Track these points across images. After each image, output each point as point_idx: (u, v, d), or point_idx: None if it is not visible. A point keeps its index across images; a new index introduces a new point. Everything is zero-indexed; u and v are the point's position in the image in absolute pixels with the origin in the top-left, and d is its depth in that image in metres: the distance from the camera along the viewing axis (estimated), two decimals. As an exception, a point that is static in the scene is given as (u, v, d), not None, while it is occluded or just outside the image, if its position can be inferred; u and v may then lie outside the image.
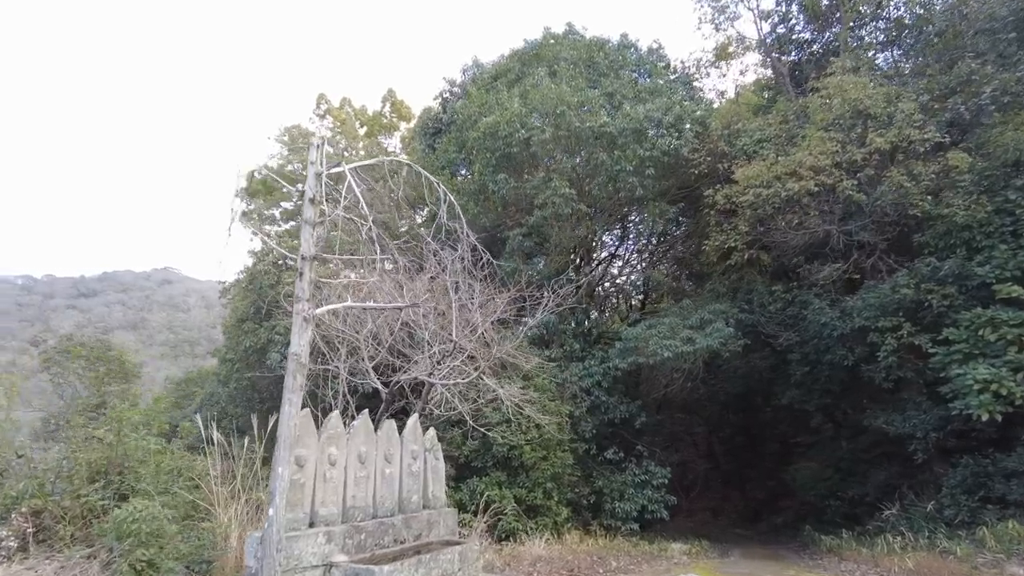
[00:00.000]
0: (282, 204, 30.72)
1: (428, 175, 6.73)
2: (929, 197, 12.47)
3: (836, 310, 13.84)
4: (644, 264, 22.64)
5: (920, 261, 12.73)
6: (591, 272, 19.68)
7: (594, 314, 19.06)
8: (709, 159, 15.73)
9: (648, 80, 18.50)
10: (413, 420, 8.73)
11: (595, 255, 20.46)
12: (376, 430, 8.00)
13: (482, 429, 12.60)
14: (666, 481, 16.06)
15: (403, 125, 33.33)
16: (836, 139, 12.74)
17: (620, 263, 21.80)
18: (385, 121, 34.48)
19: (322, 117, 33.37)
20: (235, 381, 20.26)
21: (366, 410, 7.93)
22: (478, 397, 13.09)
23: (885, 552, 13.54)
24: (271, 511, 4.90)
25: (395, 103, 32.97)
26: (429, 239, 11.34)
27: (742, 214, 13.82)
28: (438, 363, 11.15)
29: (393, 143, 33.83)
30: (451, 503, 13.21)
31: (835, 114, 13.15)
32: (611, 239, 23.33)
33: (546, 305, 16.59)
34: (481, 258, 14.94)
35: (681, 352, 14.40)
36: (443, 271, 12.06)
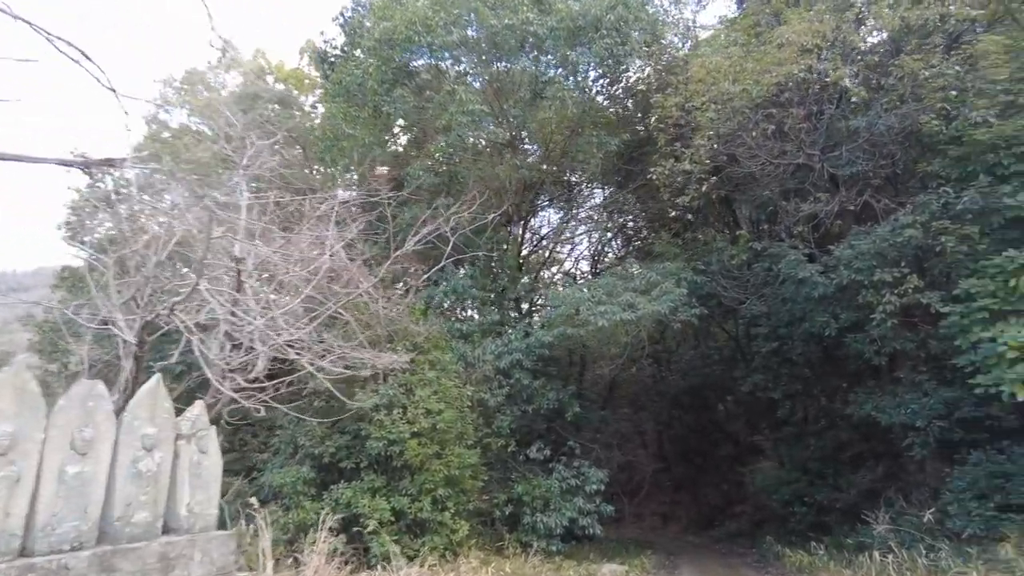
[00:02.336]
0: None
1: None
2: (947, 108, 9.48)
3: (817, 264, 10.77)
4: (590, 227, 19.39)
5: (930, 193, 9.76)
6: (522, 227, 16.28)
7: (524, 279, 15.66)
8: (660, 76, 12.49)
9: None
10: (149, 386, 5.12)
11: (528, 208, 17.07)
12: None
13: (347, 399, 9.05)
14: (602, 487, 12.77)
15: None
16: (827, 19, 9.65)
17: (560, 219, 18.40)
18: (305, 76, 30.46)
19: (227, 70, 29.16)
20: None
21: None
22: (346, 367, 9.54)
23: (875, 574, 10.50)
24: None
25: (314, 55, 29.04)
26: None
27: (701, 131, 10.65)
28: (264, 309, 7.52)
29: (312, 101, 29.93)
30: (293, 518, 9.62)
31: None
32: (546, 198, 20.03)
33: (456, 262, 13.17)
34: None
35: (620, 320, 11.11)
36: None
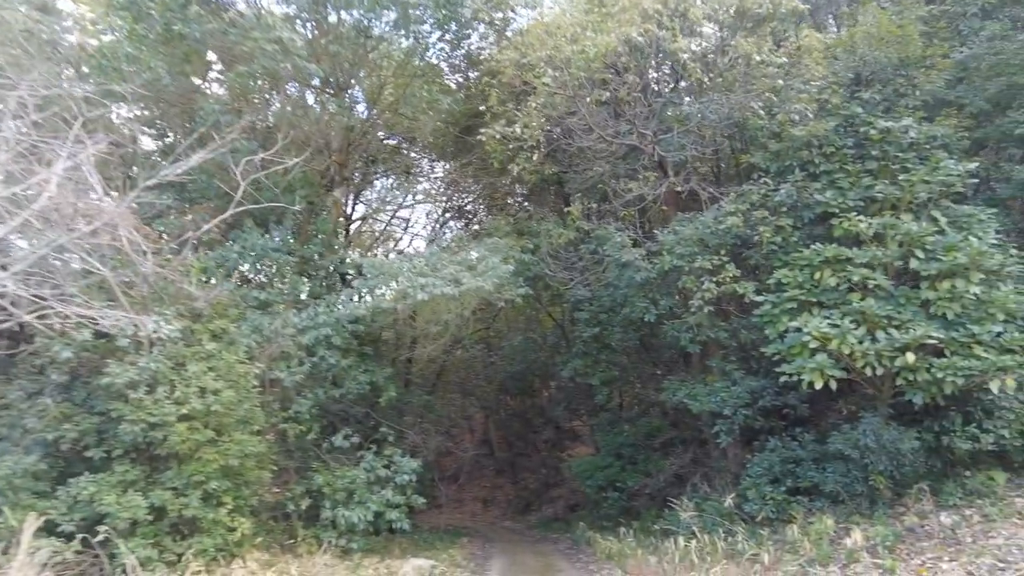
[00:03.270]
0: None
1: None
2: (774, 97, 9.61)
3: (641, 249, 10.56)
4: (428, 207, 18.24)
5: (751, 184, 9.87)
6: (351, 195, 14.69)
7: (348, 251, 14.12)
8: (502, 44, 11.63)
9: None
10: None
11: (359, 174, 15.52)
12: None
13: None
14: (413, 477, 11.74)
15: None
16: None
17: (392, 187, 16.98)
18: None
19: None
20: None
21: None
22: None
23: (679, 560, 10.53)
24: None
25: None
26: None
27: (537, 95, 9.95)
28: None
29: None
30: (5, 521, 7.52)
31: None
32: (381, 170, 18.56)
33: (263, 222, 11.42)
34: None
35: (443, 295, 10.12)
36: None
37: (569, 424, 27.73)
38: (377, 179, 19.16)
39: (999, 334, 8.35)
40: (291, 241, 12.62)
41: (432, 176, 18.35)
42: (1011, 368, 8.12)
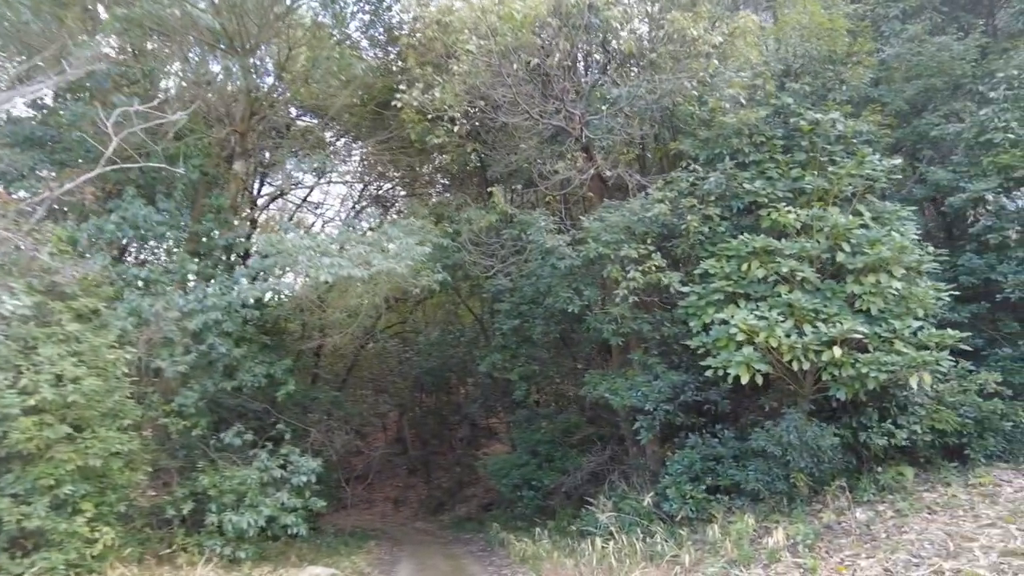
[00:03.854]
0: None
1: None
2: (708, 78, 9.26)
3: (567, 236, 9.99)
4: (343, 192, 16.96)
5: (681, 171, 9.49)
6: (254, 170, 13.38)
7: (249, 232, 12.82)
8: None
9: None
10: None
11: (263, 148, 14.20)
12: None
13: None
14: (313, 478, 10.70)
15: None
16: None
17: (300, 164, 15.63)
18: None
19: None
20: None
21: None
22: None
23: (596, 562, 10.05)
24: None
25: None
26: None
27: (458, 61, 9.15)
28: None
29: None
30: None
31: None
32: (294, 150, 17.19)
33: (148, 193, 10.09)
34: None
35: (349, 278, 9.16)
36: None
37: (486, 421, 27.20)
38: (287, 158, 17.80)
39: (917, 330, 8.32)
40: (181, 215, 11.25)
41: (348, 158, 17.15)
42: (928, 364, 8.10)
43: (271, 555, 11.80)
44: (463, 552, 15.24)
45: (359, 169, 17.81)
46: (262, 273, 10.14)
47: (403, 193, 19.45)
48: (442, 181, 16.51)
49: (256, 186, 17.11)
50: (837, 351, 7.88)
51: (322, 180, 17.65)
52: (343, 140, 17.72)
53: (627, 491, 11.61)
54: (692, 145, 9.82)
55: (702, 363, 8.60)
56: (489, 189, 10.57)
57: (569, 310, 10.06)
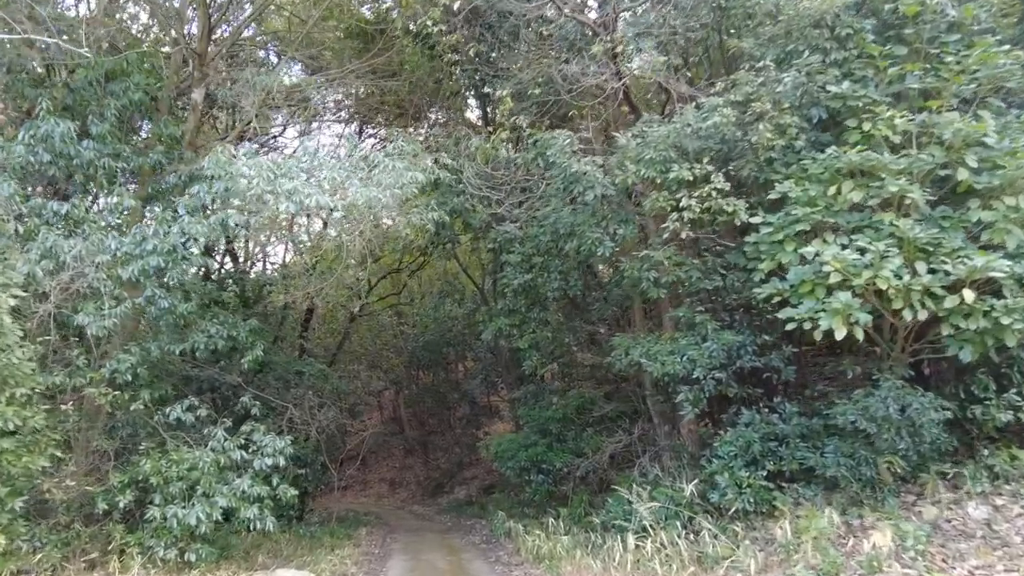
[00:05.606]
0: None
1: None
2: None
3: (596, 158, 7.88)
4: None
5: (748, 71, 7.37)
6: (206, 86, 11.18)
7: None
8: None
9: None
10: None
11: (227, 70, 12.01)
12: None
13: None
14: (280, 461, 8.71)
15: None
16: None
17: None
18: None
19: None
20: None
21: None
22: None
23: (630, 565, 8.15)
24: None
25: None
26: None
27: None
28: None
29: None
30: None
31: None
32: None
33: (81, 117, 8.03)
34: None
35: (317, 207, 7.08)
36: None
37: (487, 399, 25.50)
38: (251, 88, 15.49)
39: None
40: (117, 143, 9.14)
41: (331, 91, 14.79)
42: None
43: (236, 554, 9.90)
44: (464, 543, 13.39)
45: (346, 107, 15.46)
46: (209, 201, 8.05)
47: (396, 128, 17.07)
48: (437, 113, 14.30)
49: (228, 126, 14.85)
50: (969, 295, 5.85)
51: (296, 116, 15.37)
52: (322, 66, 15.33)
53: (661, 477, 9.67)
54: (755, 44, 7.70)
55: (780, 315, 6.57)
56: (498, 96, 8.39)
57: (599, 253, 7.98)
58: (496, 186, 8.99)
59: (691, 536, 8.35)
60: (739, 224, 7.22)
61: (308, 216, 11.70)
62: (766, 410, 8.55)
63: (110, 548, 8.11)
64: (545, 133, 8.07)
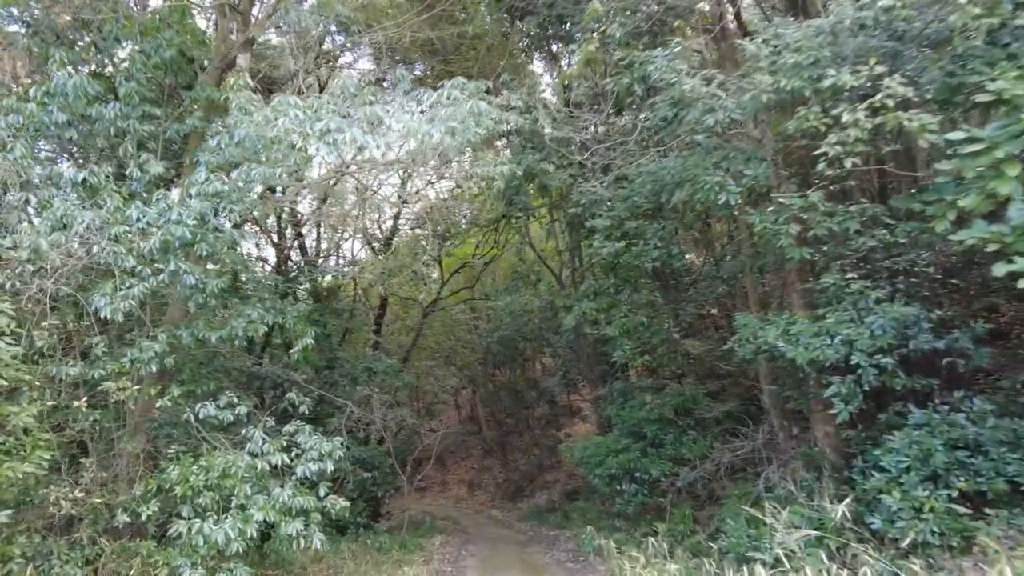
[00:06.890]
0: None
1: None
2: None
3: (712, 73, 5.96)
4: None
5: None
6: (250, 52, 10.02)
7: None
8: None
9: None
10: None
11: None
12: None
13: None
14: (328, 466, 7.30)
15: None
16: None
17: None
18: None
19: None
20: None
21: None
22: None
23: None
24: None
25: None
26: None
27: None
28: None
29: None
30: None
31: None
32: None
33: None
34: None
35: (360, 149, 5.60)
36: None
37: (567, 399, 23.81)
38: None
39: None
40: (147, 106, 8.01)
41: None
42: None
43: (292, 570, 8.66)
44: (548, 560, 11.72)
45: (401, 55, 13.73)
46: (232, 155, 6.72)
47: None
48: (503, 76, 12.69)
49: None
50: None
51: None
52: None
53: (795, 493, 7.64)
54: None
55: (995, 271, 4.52)
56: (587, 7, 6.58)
57: (720, 202, 6.04)
58: (579, 129, 7.23)
59: (844, 572, 6.35)
60: (925, 144, 5.16)
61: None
62: (944, 407, 6.42)
63: (132, 566, 6.92)
64: (642, 54, 6.27)
